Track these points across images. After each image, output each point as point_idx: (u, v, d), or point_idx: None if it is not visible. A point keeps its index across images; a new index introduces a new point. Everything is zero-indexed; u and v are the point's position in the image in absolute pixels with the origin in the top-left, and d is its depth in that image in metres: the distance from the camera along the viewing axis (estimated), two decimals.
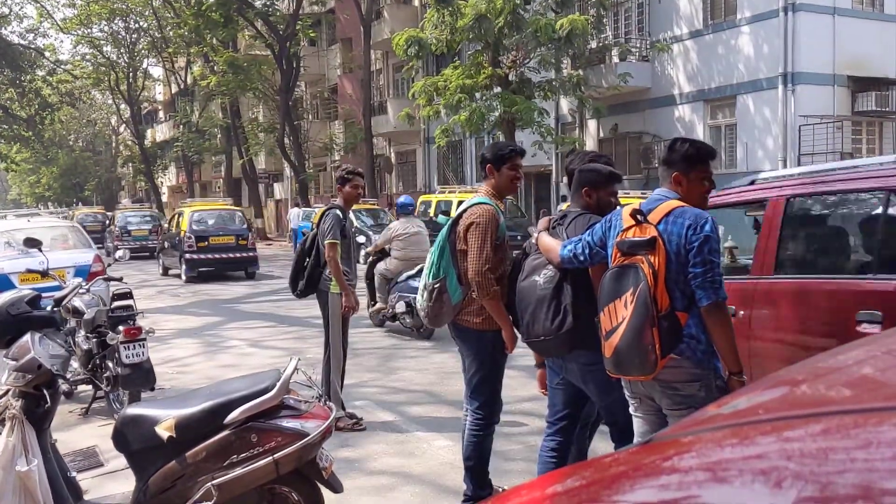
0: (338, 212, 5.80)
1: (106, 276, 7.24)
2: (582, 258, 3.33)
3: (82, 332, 6.27)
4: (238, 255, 17.64)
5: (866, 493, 0.77)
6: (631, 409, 3.32)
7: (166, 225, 21.03)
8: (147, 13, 41.98)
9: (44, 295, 4.30)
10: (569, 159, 4.11)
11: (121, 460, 3.65)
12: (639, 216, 3.07)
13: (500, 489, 4.17)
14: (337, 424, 5.44)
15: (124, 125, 56.40)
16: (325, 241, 5.67)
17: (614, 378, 3.24)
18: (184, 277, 17.37)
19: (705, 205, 3.21)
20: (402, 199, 10.76)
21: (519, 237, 16.68)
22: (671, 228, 3.02)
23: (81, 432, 5.90)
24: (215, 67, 33.14)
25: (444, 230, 4.09)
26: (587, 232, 3.37)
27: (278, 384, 3.14)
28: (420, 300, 4.12)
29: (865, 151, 19.23)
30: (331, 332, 5.84)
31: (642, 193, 17.37)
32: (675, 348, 2.98)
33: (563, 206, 4.41)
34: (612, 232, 3.21)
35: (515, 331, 3.92)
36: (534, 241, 3.70)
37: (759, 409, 1.08)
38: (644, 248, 3.00)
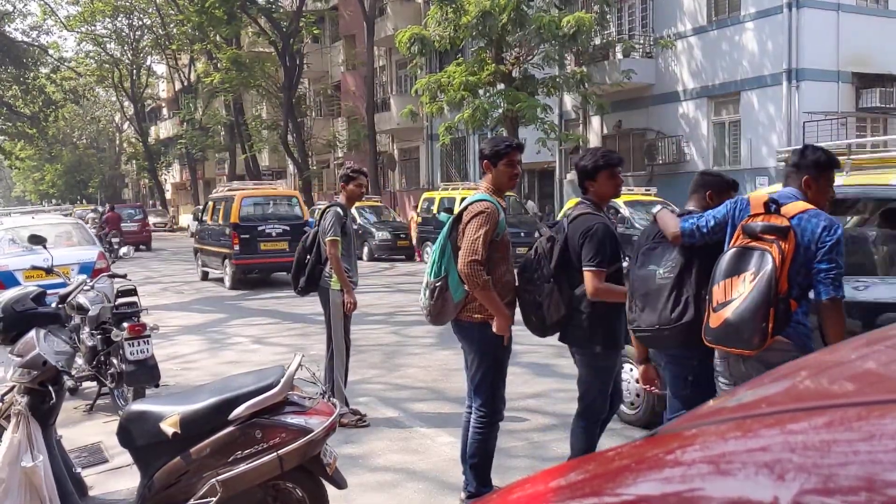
0: (339, 209, 5.84)
1: (110, 272, 7.25)
2: (704, 230, 3.52)
3: (87, 329, 6.29)
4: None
5: (869, 485, 0.77)
6: None
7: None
8: (150, 10, 42.02)
9: (48, 292, 4.31)
10: (579, 155, 4.14)
11: (125, 456, 3.67)
12: (773, 205, 3.27)
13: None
14: (340, 421, 5.48)
15: (128, 122, 56.49)
16: (327, 238, 5.71)
17: (714, 347, 3.37)
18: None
19: (827, 210, 3.39)
20: None
21: (522, 234, 16.65)
22: (805, 225, 3.19)
23: (86, 429, 5.92)
24: (218, 64, 33.16)
25: (446, 228, 4.08)
26: (712, 210, 3.57)
27: (282, 381, 3.15)
28: (422, 298, 4.12)
29: (869, 148, 19.17)
30: (333, 329, 5.86)
31: (646, 190, 17.36)
32: (784, 331, 3.16)
33: (571, 202, 4.48)
34: (736, 214, 3.41)
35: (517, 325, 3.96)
36: (653, 218, 3.85)
37: (762, 403, 1.08)
38: (776, 234, 3.19)
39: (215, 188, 20.80)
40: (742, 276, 3.18)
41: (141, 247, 21.15)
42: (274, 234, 15.79)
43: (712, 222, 3.49)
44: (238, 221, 15.54)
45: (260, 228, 15.73)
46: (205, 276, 17.58)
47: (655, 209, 3.93)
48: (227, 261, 15.96)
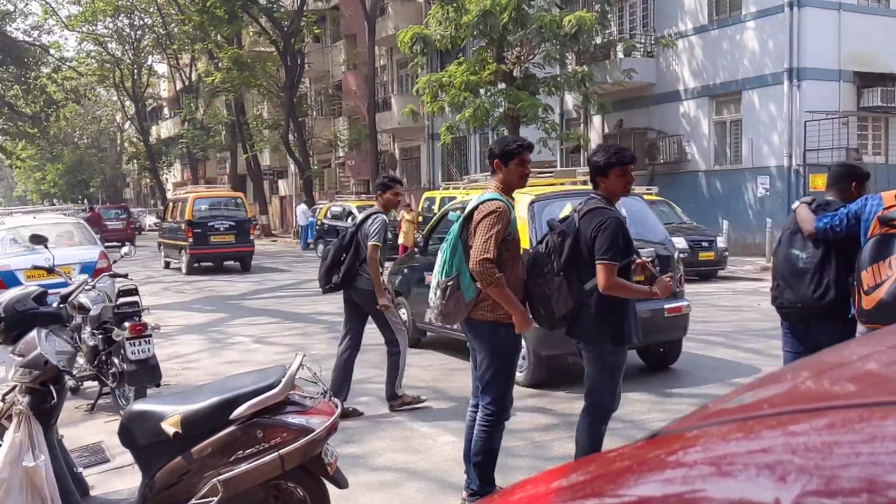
0: (385, 217, 6.14)
1: (111, 272, 7.26)
2: (838, 229, 3.85)
3: (88, 329, 6.29)
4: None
5: (871, 486, 0.77)
6: None
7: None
8: (151, 10, 42.03)
9: (50, 291, 4.31)
10: (592, 150, 4.29)
11: (127, 456, 3.67)
12: None
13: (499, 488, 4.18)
14: (403, 400, 6.12)
15: (129, 122, 56.55)
16: (370, 242, 5.94)
17: (869, 326, 3.64)
18: None
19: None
20: None
21: None
22: None
23: (87, 428, 5.92)
24: (220, 64, 33.15)
25: (456, 227, 4.08)
26: (844, 209, 3.90)
27: (283, 380, 3.15)
28: (432, 298, 4.11)
29: (871, 147, 19.18)
30: (392, 324, 6.24)
31: (647, 189, 17.32)
32: None
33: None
34: (867, 210, 3.77)
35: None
36: (793, 212, 4.18)
37: (764, 404, 1.08)
38: None
39: (174, 192, 23.50)
40: (888, 261, 3.54)
41: (126, 243, 22.81)
42: (222, 229, 18.77)
43: (845, 222, 3.82)
44: (191, 218, 18.51)
45: (210, 224, 18.58)
46: (167, 266, 20.61)
47: (794, 204, 4.28)
48: (183, 251, 18.88)
